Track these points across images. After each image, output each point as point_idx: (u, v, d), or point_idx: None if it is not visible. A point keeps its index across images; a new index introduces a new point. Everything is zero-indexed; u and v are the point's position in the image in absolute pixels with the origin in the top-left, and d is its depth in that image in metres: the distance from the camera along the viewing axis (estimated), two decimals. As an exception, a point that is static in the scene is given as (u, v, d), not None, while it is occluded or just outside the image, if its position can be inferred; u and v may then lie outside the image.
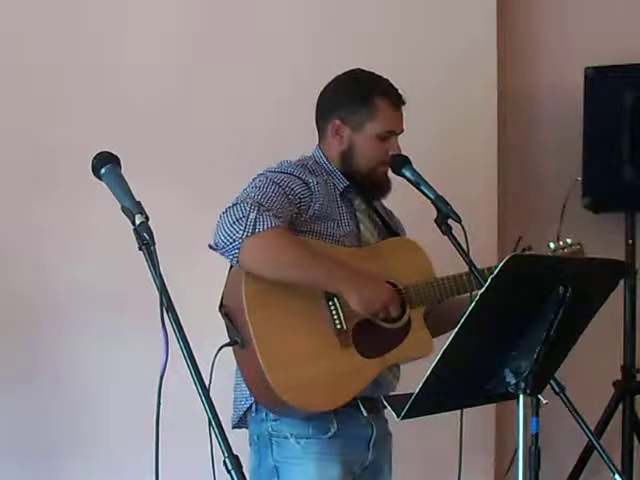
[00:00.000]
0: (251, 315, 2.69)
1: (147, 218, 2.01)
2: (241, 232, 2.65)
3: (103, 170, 2.11)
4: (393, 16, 3.98)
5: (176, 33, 3.80)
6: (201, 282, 3.37)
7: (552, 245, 3.03)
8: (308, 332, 2.76)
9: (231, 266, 2.80)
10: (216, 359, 2.60)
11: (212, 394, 1.95)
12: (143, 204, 2.05)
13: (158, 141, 3.74)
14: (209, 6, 3.85)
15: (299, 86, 3.73)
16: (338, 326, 2.77)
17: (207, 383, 1.96)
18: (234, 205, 2.70)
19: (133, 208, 2.03)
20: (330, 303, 2.78)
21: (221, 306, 2.79)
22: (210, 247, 2.72)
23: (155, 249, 1.99)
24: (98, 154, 2.14)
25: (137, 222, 2.01)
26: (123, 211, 2.04)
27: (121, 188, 2.07)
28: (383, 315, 2.80)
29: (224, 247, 2.68)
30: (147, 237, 1.99)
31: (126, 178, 2.10)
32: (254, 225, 2.65)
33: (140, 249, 2.00)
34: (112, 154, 2.14)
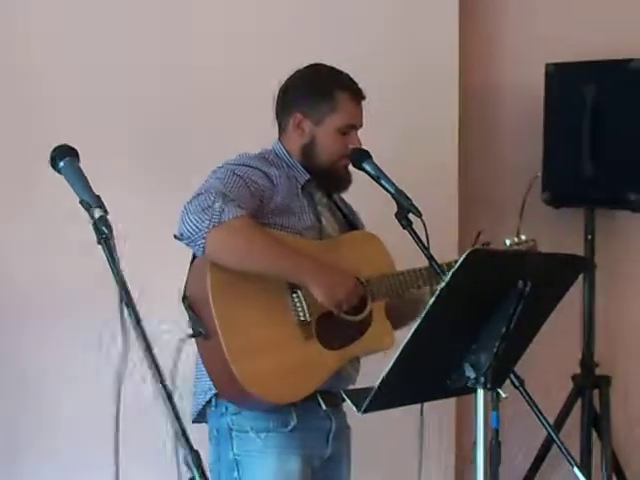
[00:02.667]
0: (216, 306, 2.67)
1: (106, 212, 2.01)
2: (207, 222, 2.64)
3: (62, 163, 2.10)
4: (354, 15, 3.97)
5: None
6: (166, 274, 3.35)
7: (507, 241, 3.05)
8: (272, 323, 2.75)
9: (193, 257, 2.80)
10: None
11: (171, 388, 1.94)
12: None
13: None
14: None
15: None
16: (302, 318, 2.77)
17: (170, 376, 1.95)
18: (198, 195, 2.69)
19: (92, 202, 2.02)
20: (294, 295, 2.78)
21: (184, 298, 2.76)
22: (175, 237, 2.71)
23: (114, 243, 1.98)
24: (57, 147, 2.13)
25: (96, 216, 2.00)
26: (82, 205, 2.03)
27: (80, 182, 2.06)
28: (346, 306, 2.80)
29: (190, 237, 2.66)
30: (106, 231, 1.98)
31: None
32: (220, 215, 2.64)
33: (99, 243, 1.99)
34: (71, 147, 2.12)
